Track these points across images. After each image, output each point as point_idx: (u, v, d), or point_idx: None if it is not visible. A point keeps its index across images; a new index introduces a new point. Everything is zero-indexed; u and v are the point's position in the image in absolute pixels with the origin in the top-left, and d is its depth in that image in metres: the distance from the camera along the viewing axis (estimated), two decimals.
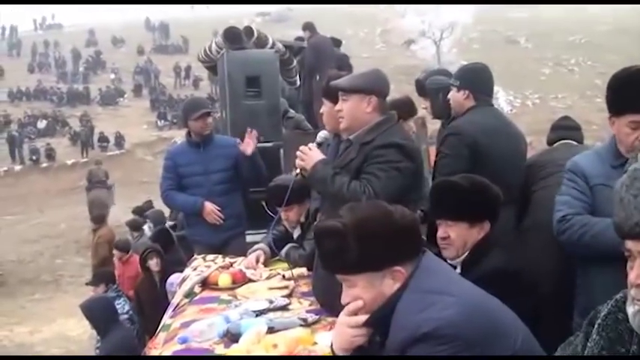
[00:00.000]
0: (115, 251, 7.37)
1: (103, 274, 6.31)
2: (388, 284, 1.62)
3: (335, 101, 2.71)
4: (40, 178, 21.49)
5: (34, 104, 30.99)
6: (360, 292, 1.63)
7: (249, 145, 4.21)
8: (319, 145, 2.76)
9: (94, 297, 5.40)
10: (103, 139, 25.54)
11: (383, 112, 2.65)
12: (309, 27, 7.98)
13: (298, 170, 2.75)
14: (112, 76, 34.17)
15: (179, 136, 25.16)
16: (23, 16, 46.39)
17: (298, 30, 8.35)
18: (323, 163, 2.62)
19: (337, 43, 8.52)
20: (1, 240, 15.04)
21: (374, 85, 2.64)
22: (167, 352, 2.35)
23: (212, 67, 6.27)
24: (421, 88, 3.99)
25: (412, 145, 2.67)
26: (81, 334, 8.86)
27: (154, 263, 5.39)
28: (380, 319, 1.62)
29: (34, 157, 25.01)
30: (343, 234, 1.60)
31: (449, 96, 3.34)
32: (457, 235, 2.32)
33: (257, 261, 3.43)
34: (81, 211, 10.92)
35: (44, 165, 24.50)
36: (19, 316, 10.32)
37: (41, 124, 27.92)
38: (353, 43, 27.74)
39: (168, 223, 7.31)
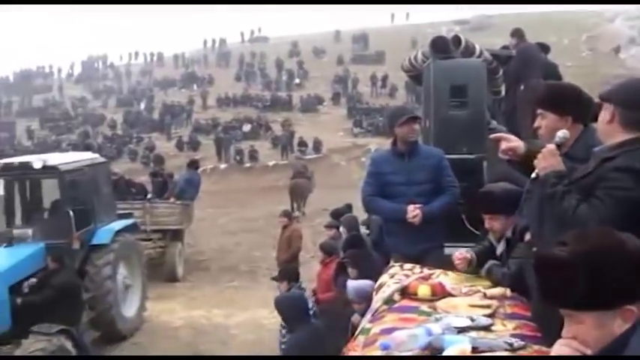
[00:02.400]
0: (319, 253, 7.63)
1: (287, 271, 6.47)
2: (618, 325, 1.44)
3: (560, 112, 2.52)
4: (242, 177, 23.17)
5: (240, 110, 33.53)
6: (586, 331, 1.47)
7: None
8: (558, 146, 2.48)
9: (289, 294, 5.65)
10: (302, 143, 26.79)
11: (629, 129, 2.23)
12: (517, 33, 7.55)
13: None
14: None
15: (373, 143, 25.72)
16: (232, 30, 50.57)
17: (498, 38, 8.05)
18: (558, 176, 2.30)
19: (545, 49, 7.95)
20: (205, 230, 16.34)
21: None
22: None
23: (416, 76, 6.26)
24: None
25: None
26: (273, 323, 9.29)
27: (351, 271, 5.48)
28: None
29: (238, 158, 27.01)
30: (571, 266, 1.45)
31: None
32: None
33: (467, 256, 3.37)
34: (278, 210, 11.50)
35: (247, 165, 26.38)
36: (218, 300, 11.05)
37: (246, 127, 30.05)
38: (556, 51, 26.16)
39: (362, 230, 7.41)
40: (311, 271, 10.17)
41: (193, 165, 14.56)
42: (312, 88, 35.17)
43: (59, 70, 50.50)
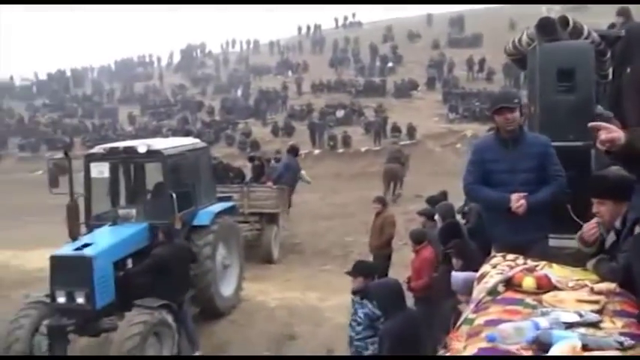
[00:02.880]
0: (409, 241, 7.57)
1: (363, 267, 6.07)
2: None
3: None
4: (335, 163, 23.32)
5: (334, 95, 33.60)
6: None
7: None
8: None
9: (384, 280, 5.65)
10: (395, 129, 26.47)
11: None
12: (623, 12, 7.03)
13: None
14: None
15: (469, 129, 25.13)
16: (326, 16, 50.64)
17: (598, 19, 7.55)
18: None
19: None
20: (299, 214, 16.59)
21: None
22: (472, 347, 2.32)
23: (520, 60, 6.03)
24: None
25: None
26: None
27: (455, 262, 5.39)
28: None
29: (331, 143, 27.14)
30: None
31: None
32: None
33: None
34: (370, 196, 11.47)
35: (340, 151, 26.48)
36: (312, 283, 11.20)
37: (339, 113, 30.10)
38: None
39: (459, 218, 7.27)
40: (404, 258, 10.12)
41: (293, 151, 14.77)
42: (406, 73, 34.68)
43: (159, 59, 52.63)
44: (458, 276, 4.60)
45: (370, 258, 10.01)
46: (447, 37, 39.92)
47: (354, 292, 5.80)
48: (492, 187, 4.16)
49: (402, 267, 9.46)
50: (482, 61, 33.05)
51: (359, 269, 5.87)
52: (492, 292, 2.97)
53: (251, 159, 15.19)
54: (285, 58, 43.61)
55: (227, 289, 9.39)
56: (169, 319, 7.23)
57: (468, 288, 4.40)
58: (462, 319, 2.90)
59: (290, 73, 40.34)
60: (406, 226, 13.54)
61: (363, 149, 26.31)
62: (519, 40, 5.66)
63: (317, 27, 48.67)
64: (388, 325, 4.69)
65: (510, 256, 3.59)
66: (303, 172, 15.93)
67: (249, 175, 14.37)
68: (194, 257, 8.19)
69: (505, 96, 4.63)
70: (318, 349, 7.95)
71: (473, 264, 5.28)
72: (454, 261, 5.44)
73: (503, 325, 2.37)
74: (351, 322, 5.75)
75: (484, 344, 2.29)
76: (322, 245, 14.33)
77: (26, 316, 7.25)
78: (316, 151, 26.80)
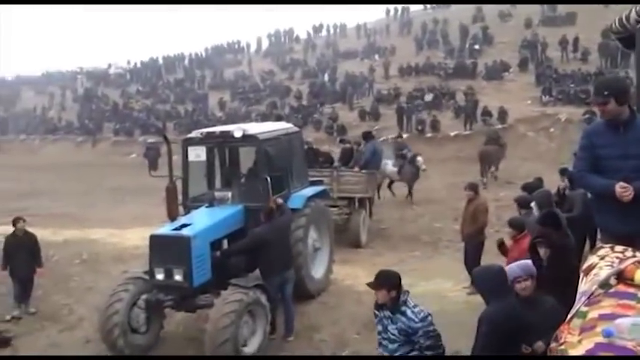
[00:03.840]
0: (507, 228, 7.40)
1: (387, 278, 4.99)
2: None
3: None
4: (423, 147, 22.83)
5: (422, 78, 33.03)
6: None
7: None
8: None
9: (488, 265, 5.44)
10: (486, 113, 25.78)
11: None
12: None
13: None
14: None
15: (564, 113, 24.12)
16: None
17: None
18: None
19: None
20: (387, 199, 16.54)
21: None
22: (588, 341, 2.26)
23: (627, 38, 5.71)
24: None
25: None
26: (457, 296, 9.22)
27: (543, 252, 5.23)
28: None
29: (419, 128, 26.78)
30: None
31: None
32: None
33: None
34: (460, 181, 11.25)
35: (428, 135, 26.09)
36: (400, 269, 10.68)
37: (428, 97, 29.53)
38: None
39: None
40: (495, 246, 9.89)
41: (369, 136, 14.74)
42: (497, 55, 33.54)
43: (248, 46, 53.59)
44: (512, 267, 4.77)
45: (461, 245, 9.88)
46: (539, 16, 38.27)
47: (379, 307, 5.05)
48: (604, 173, 3.97)
49: (494, 255, 9.25)
50: (575, 40, 31.49)
51: (383, 280, 4.96)
52: (604, 285, 2.86)
53: (342, 141, 15.28)
54: (372, 42, 43.31)
55: (317, 271, 9.53)
56: (263, 299, 7.43)
57: (527, 272, 4.62)
58: (573, 311, 2.81)
59: (377, 56, 40.02)
60: (497, 213, 13.24)
61: (452, 134, 25.81)
62: (627, 18, 5.34)
63: (404, 9, 47.98)
64: (489, 310, 4.58)
65: (619, 248, 3.44)
66: (419, 158, 15.92)
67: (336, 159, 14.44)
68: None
69: (596, 89, 4.37)
70: None
71: (562, 256, 5.14)
72: (541, 251, 5.28)
73: (619, 320, 2.29)
74: (380, 341, 5.07)
75: (600, 339, 2.22)
76: (411, 231, 14.23)
77: (125, 290, 7.64)
78: (404, 135, 26.45)
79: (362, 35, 46.73)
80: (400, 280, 4.96)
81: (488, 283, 4.65)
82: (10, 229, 9.91)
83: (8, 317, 9.50)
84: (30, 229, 10.05)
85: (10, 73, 67.71)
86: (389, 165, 16.06)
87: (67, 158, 36.00)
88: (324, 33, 51.14)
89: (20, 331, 9.11)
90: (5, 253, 9.68)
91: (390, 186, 16.90)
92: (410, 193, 16.70)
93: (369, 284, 5.02)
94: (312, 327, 8.21)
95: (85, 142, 40.22)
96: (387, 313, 4.95)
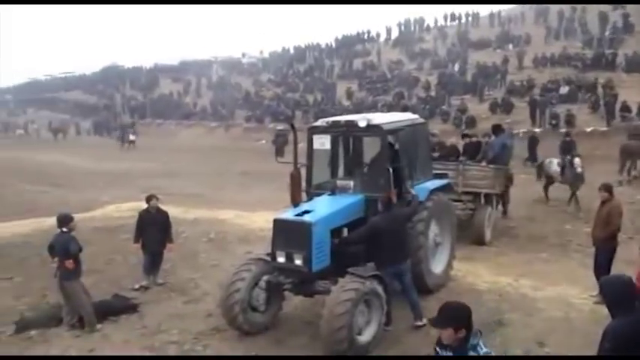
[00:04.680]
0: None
1: (454, 314, 3.96)
2: None
3: None
4: (556, 144, 21.61)
5: (558, 70, 31.39)
6: None
7: None
8: None
9: (618, 275, 5.09)
10: (625, 108, 24.05)
11: None
12: None
13: None
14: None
15: None
16: None
17: None
18: None
19: None
20: (516, 197, 15.83)
21: None
22: None
23: None
24: None
25: None
26: (584, 304, 8.70)
27: None
28: None
29: (553, 122, 25.46)
30: None
31: None
32: None
33: None
34: (596, 181, 10.50)
35: (562, 130, 24.68)
36: (525, 270, 10.66)
37: (563, 89, 28.02)
38: None
39: None
40: (630, 253, 9.22)
41: (499, 129, 14.17)
42: (638, 45, 31.06)
43: (378, 35, 53.55)
44: None
45: (592, 250, 9.31)
46: None
47: (443, 346, 4.03)
48: None
49: (625, 263, 8.65)
50: None
51: (450, 317, 3.94)
52: None
53: (465, 136, 14.88)
54: (505, 31, 41.72)
55: (437, 266, 9.34)
56: (379, 289, 7.40)
57: None
58: None
59: (510, 46, 38.51)
60: (631, 217, 12.35)
61: (588, 130, 24.28)
62: None
63: None
64: (615, 324, 4.27)
65: None
66: (577, 160, 15.13)
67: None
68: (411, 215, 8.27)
69: None
70: (528, 340, 7.57)
71: None
72: None
73: None
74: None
75: None
76: (539, 231, 13.62)
77: (248, 270, 7.92)
78: (537, 130, 25.32)
79: (495, 24, 45.19)
80: (471, 316, 3.94)
81: (615, 295, 4.33)
82: (144, 205, 10.59)
83: (137, 286, 10.20)
84: (162, 207, 10.69)
85: (149, 62, 72.46)
86: (554, 164, 15.38)
87: (200, 142, 38.03)
88: (455, 22, 49.96)
89: (148, 299, 9.74)
90: (138, 228, 10.37)
91: (546, 187, 16.16)
92: (572, 197, 15.36)
93: (431, 320, 4.05)
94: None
95: (217, 128, 42.26)
96: (450, 353, 4.00)
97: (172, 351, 7.64)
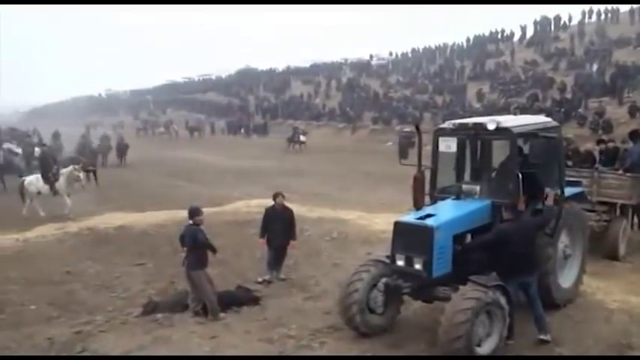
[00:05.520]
0: None
1: None
2: None
3: None
4: None
5: None
6: None
7: None
8: None
9: None
10: None
11: None
12: None
13: None
14: None
15: None
16: None
17: None
18: None
19: None
20: None
21: None
22: None
23: None
24: None
25: None
26: None
27: None
28: None
29: None
30: None
31: None
32: None
33: None
34: None
35: None
36: None
37: None
38: None
39: None
40: None
41: (637, 136, 12.89)
42: None
43: (512, 34, 51.61)
44: None
45: None
46: None
47: None
48: None
49: None
50: None
51: None
52: None
53: (600, 142, 13.92)
54: None
55: (566, 280, 8.84)
56: (502, 300, 7.11)
57: None
58: None
59: None
60: None
61: None
62: None
63: None
64: None
65: None
66: None
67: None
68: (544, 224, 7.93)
69: None
70: None
71: None
72: None
73: None
74: None
75: None
76: None
77: (367, 271, 7.91)
78: None
79: (636, 20, 41.94)
80: None
81: None
82: (272, 202, 10.92)
83: (260, 279, 10.56)
84: (288, 204, 10.97)
85: (282, 65, 74.85)
86: None
87: (328, 143, 38.64)
88: (593, 18, 47.05)
89: (270, 293, 10.04)
90: (264, 223, 10.74)
91: None
92: None
93: None
94: (553, 340, 7.62)
95: (345, 129, 42.78)
96: None
97: (290, 345, 7.80)
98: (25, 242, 13.60)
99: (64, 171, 17.15)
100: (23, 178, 17.69)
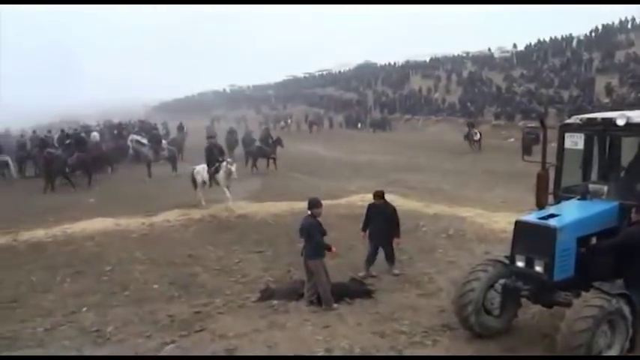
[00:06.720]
0: None
1: None
2: None
3: None
4: None
5: None
6: None
7: None
8: None
9: None
10: None
11: None
12: None
13: None
14: None
15: None
16: None
17: None
18: None
19: None
20: None
21: None
22: None
23: None
24: None
25: None
26: None
27: None
28: None
29: None
30: None
31: None
32: None
33: None
34: None
35: None
36: None
37: None
38: None
39: None
40: None
41: None
42: None
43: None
44: None
45: None
46: None
47: None
48: None
49: None
50: None
51: None
52: None
53: None
54: None
55: None
56: (626, 310, 6.66)
57: None
58: None
59: None
60: None
61: None
62: None
63: None
64: None
65: None
66: None
67: None
68: None
69: None
70: None
71: None
72: None
73: None
74: None
75: None
76: None
77: (484, 270, 7.69)
78: None
79: None
80: None
81: None
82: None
83: (374, 273, 10.60)
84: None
85: (401, 59, 74.42)
86: None
87: (446, 138, 37.92)
88: None
89: (383, 287, 10.04)
90: (367, 218, 10.80)
91: None
92: None
93: None
94: None
95: (465, 125, 41.76)
96: None
97: (402, 341, 7.77)
98: (151, 226, 14.63)
99: (222, 165, 17.57)
100: (193, 167, 18.57)
